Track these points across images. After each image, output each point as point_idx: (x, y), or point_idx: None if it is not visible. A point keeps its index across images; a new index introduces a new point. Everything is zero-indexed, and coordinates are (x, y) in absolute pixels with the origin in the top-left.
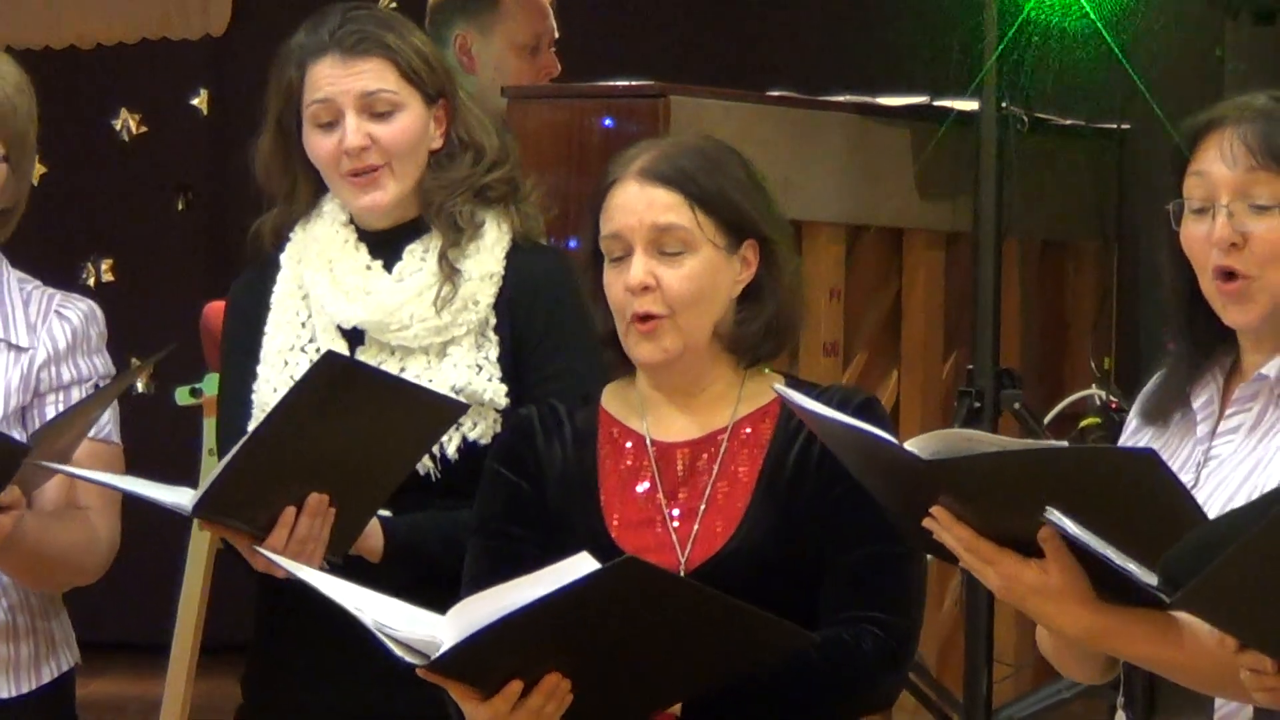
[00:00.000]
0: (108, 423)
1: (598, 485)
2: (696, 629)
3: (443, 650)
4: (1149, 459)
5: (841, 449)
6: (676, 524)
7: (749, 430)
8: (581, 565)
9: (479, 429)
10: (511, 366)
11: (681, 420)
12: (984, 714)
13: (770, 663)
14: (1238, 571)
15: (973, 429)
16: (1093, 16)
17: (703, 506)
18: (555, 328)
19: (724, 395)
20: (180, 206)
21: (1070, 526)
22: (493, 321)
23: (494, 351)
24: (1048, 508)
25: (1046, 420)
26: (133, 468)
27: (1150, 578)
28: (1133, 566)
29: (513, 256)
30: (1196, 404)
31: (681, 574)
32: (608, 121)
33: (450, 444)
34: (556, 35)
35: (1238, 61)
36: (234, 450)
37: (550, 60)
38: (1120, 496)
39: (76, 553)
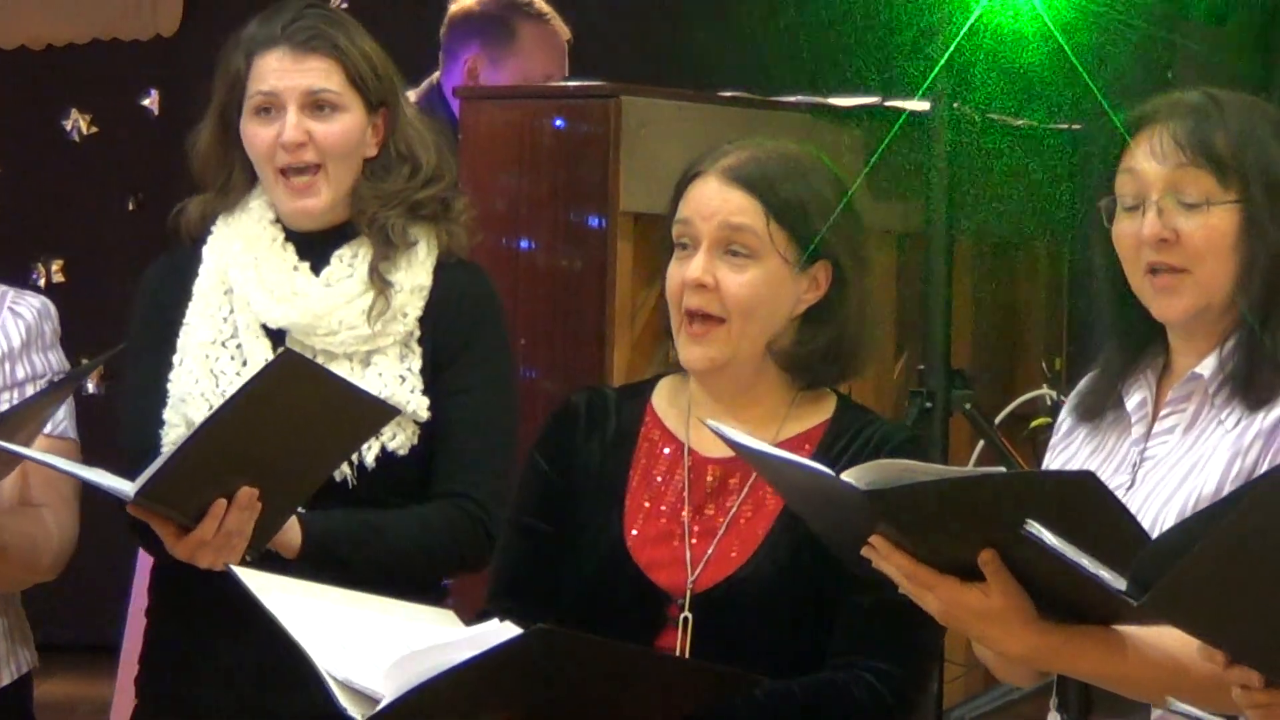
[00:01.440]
0: (64, 419)
1: (625, 491)
2: (630, 683)
3: (380, 708)
4: (1087, 481)
5: (779, 483)
6: (694, 541)
7: (789, 453)
8: (501, 632)
9: (398, 439)
10: (431, 379)
11: None
12: (934, 714)
13: (715, 704)
14: (1204, 571)
15: (919, 430)
16: (1044, 17)
17: (723, 528)
18: (471, 346)
19: (771, 414)
20: (131, 207)
21: (1048, 537)
22: (417, 334)
23: (416, 363)
24: (1028, 520)
25: (997, 420)
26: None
27: (1120, 583)
28: (1105, 573)
29: (439, 271)
30: (1130, 404)
31: (688, 595)
32: (559, 122)
33: (369, 453)
34: (565, 76)
35: (1189, 63)
36: (184, 440)
37: None
38: (1059, 518)
39: (30, 548)
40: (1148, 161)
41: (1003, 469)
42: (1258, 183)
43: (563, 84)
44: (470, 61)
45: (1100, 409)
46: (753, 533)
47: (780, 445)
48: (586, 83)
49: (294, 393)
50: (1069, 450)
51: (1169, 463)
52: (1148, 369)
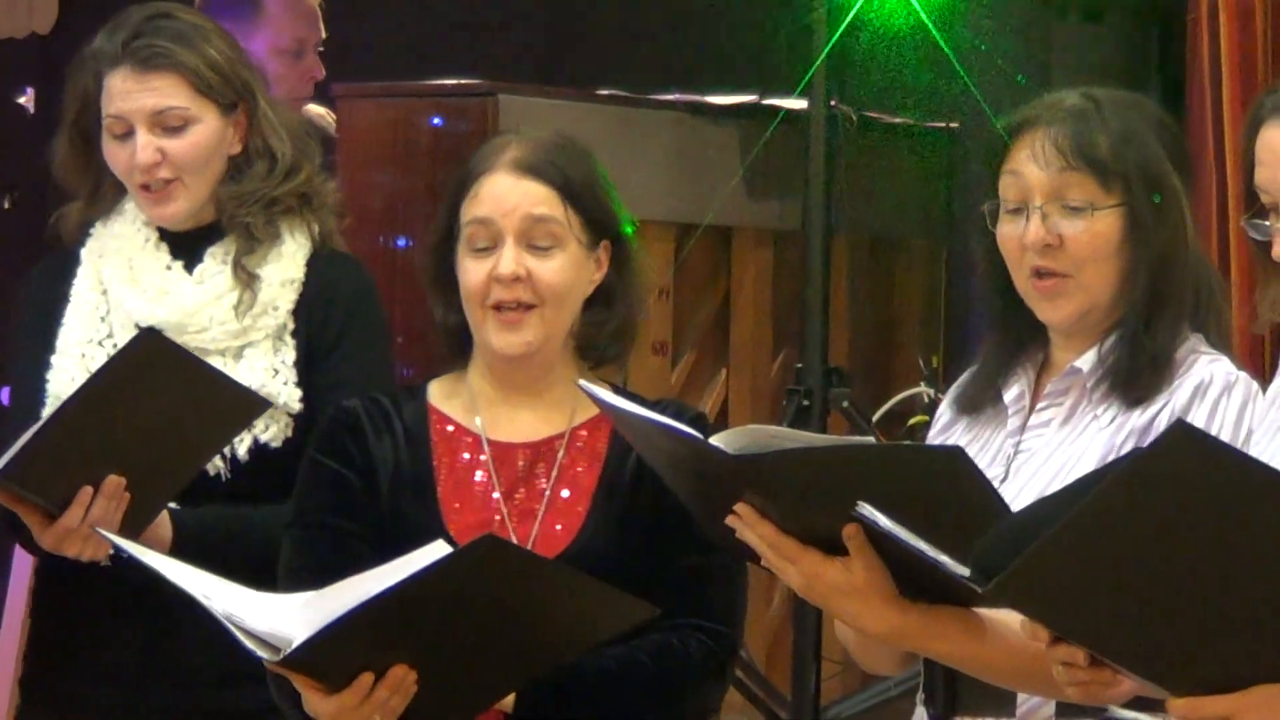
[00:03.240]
0: None
1: (434, 484)
2: (547, 607)
3: (296, 644)
4: (955, 455)
5: (648, 448)
6: (514, 524)
7: (586, 435)
8: (437, 550)
9: (271, 431)
10: (305, 371)
11: (518, 421)
12: (812, 712)
13: (611, 637)
14: (1048, 561)
15: (796, 428)
16: (922, 16)
17: (541, 510)
18: (347, 336)
19: (563, 399)
20: (6, 205)
21: (882, 520)
22: (290, 326)
23: (290, 356)
24: (859, 502)
25: (875, 418)
26: None
27: (962, 570)
28: (945, 559)
29: (313, 263)
30: (1008, 397)
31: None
32: (436, 120)
33: (241, 445)
34: (323, 38)
35: (1066, 60)
36: (41, 421)
37: (314, 64)
38: (927, 493)
39: None
40: (1030, 166)
41: (871, 439)
42: (1139, 185)
43: (440, 83)
44: None
45: (979, 402)
46: (573, 509)
47: (577, 430)
48: (464, 81)
49: (157, 376)
50: (947, 441)
51: (1043, 456)
52: (1027, 363)
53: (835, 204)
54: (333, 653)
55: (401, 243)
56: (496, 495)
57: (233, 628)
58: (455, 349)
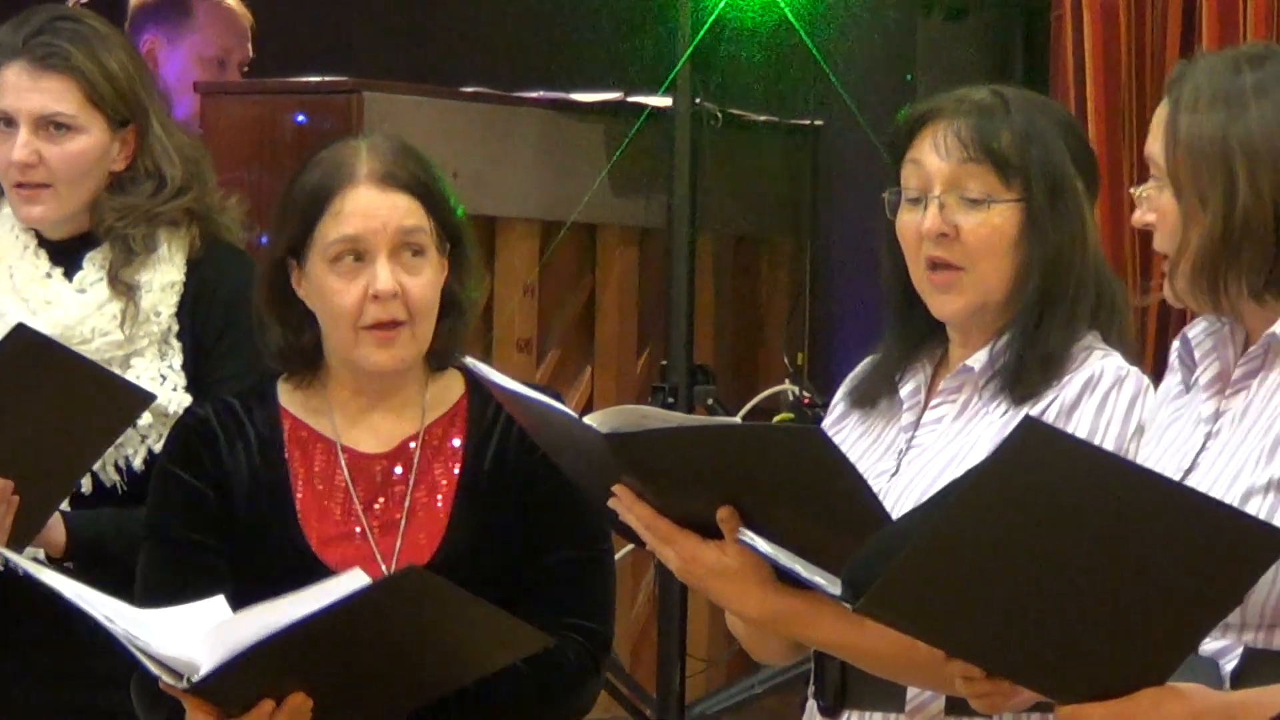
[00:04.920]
0: None
1: (291, 495)
2: (449, 636)
3: (205, 671)
4: (812, 434)
5: (538, 429)
6: (376, 535)
7: (440, 433)
8: (354, 580)
9: (164, 440)
10: (194, 373)
11: (372, 425)
12: (677, 709)
13: (503, 665)
14: (913, 573)
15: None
16: (787, 13)
17: (403, 518)
18: (231, 330)
19: (412, 400)
20: None
21: (762, 546)
22: (175, 329)
23: (177, 360)
24: (741, 529)
25: (740, 415)
26: None
27: (834, 589)
28: (819, 579)
29: (193, 265)
30: (903, 392)
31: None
32: (300, 118)
33: (136, 456)
34: (250, 57)
35: (930, 57)
36: None
37: (235, 78)
38: (788, 471)
39: None
40: (932, 156)
41: (735, 419)
42: (1040, 182)
43: (304, 79)
44: (149, 45)
45: (874, 396)
46: (434, 517)
47: (431, 426)
48: (328, 78)
49: (33, 373)
50: (839, 435)
51: (933, 451)
52: (925, 359)
53: (700, 201)
54: (238, 680)
55: (265, 240)
56: (356, 506)
57: (136, 651)
58: (303, 367)
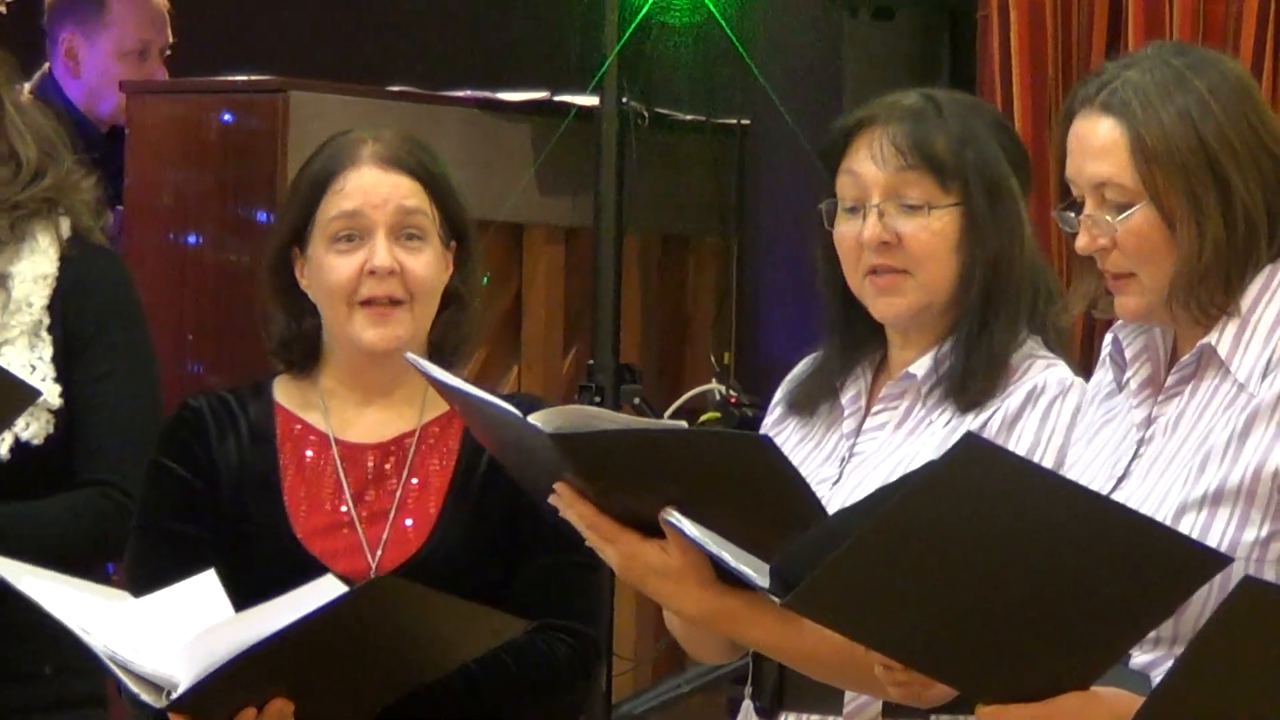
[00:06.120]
0: None
1: (280, 486)
2: (425, 631)
3: (183, 688)
4: (759, 442)
5: (477, 424)
6: (364, 526)
7: (438, 431)
8: (329, 589)
9: (32, 429)
10: (64, 367)
11: (368, 420)
12: (604, 708)
13: (482, 653)
14: (845, 573)
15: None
16: (714, 12)
17: (393, 510)
18: (106, 331)
19: (413, 396)
20: None
21: (688, 529)
22: (46, 322)
23: (47, 352)
24: (668, 509)
25: (666, 415)
26: None
27: (762, 582)
28: (747, 569)
29: (67, 258)
30: (845, 398)
31: (372, 577)
32: (227, 116)
33: (3, 445)
34: (170, 42)
35: (859, 55)
36: None
37: (157, 67)
38: (734, 478)
39: None
40: (868, 165)
41: (683, 424)
42: (977, 185)
43: (230, 79)
44: (67, 42)
45: (814, 401)
46: (425, 510)
47: (428, 426)
48: (255, 77)
49: None
50: (779, 439)
51: (876, 460)
52: (865, 364)
53: (627, 201)
54: (217, 693)
55: (192, 239)
56: (346, 496)
57: (115, 668)
58: (303, 357)
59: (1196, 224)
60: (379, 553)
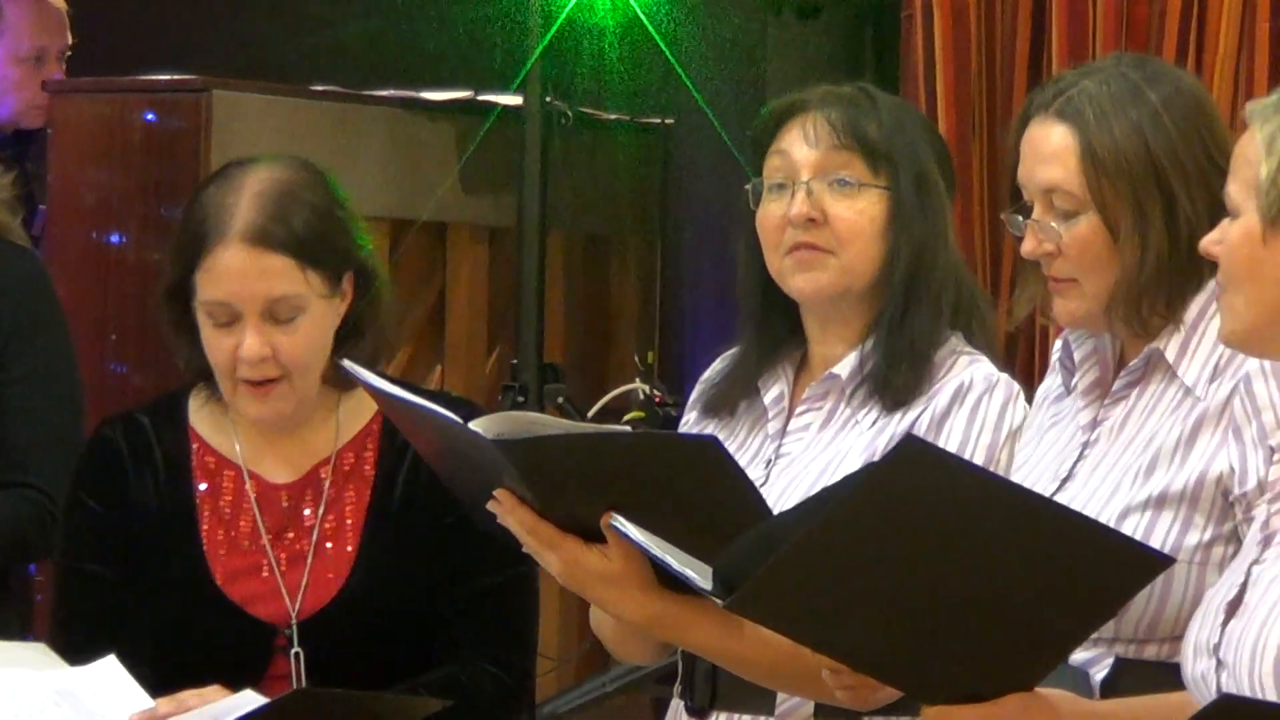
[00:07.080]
0: None
1: (197, 525)
2: None
3: None
4: (710, 446)
5: (412, 431)
6: (283, 569)
7: (352, 458)
8: (245, 702)
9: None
10: None
11: (281, 452)
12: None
13: None
14: (786, 575)
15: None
16: (638, 11)
17: (310, 551)
18: (22, 332)
19: (323, 424)
20: None
21: (633, 532)
22: None
23: None
24: (612, 513)
25: (590, 414)
26: None
27: (705, 584)
28: (690, 572)
29: None
30: (767, 399)
31: (294, 624)
32: (150, 116)
33: None
34: (69, 44)
35: (784, 55)
36: None
37: (54, 71)
38: (681, 483)
39: None
40: (800, 144)
41: (628, 429)
42: (907, 173)
43: (153, 78)
44: None
45: (734, 401)
46: (343, 550)
47: (343, 450)
48: (177, 77)
49: None
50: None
51: (803, 461)
52: (784, 362)
53: (550, 200)
54: None
55: (115, 239)
56: (264, 539)
57: None
58: (211, 379)
59: (1140, 236)
60: (299, 598)
